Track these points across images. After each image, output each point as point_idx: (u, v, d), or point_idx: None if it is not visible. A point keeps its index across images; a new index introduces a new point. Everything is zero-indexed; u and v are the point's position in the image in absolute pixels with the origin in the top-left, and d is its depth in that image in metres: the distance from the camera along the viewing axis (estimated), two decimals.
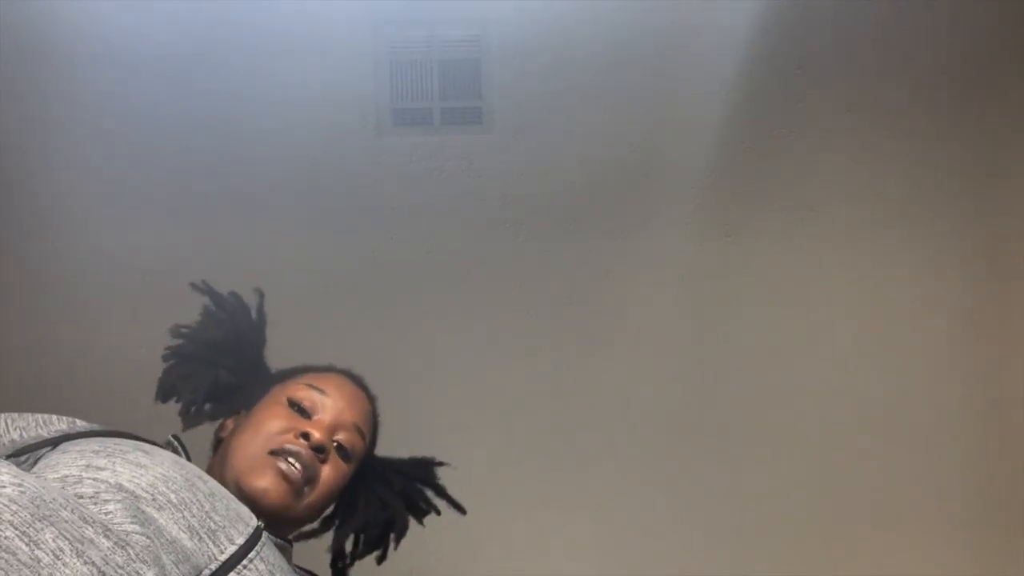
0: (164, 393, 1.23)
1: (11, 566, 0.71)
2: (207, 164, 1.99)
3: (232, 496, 0.97)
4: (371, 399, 1.25)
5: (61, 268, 1.95)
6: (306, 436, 1.09)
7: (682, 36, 2.02)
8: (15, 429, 0.98)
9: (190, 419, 1.21)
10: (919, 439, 2.01)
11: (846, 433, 2.00)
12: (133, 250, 1.97)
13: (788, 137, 2.04)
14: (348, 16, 1.99)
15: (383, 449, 1.30)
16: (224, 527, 0.91)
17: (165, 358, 1.24)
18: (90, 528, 0.77)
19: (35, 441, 0.97)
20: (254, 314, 1.29)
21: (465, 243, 2.02)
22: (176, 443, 1.12)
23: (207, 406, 1.22)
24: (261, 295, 1.29)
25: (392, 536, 1.29)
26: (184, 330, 1.25)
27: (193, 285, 1.27)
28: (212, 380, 1.21)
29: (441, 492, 1.35)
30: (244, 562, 0.90)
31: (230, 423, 1.19)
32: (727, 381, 2.02)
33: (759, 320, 2.02)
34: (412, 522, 1.32)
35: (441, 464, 1.36)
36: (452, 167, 2.02)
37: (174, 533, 0.85)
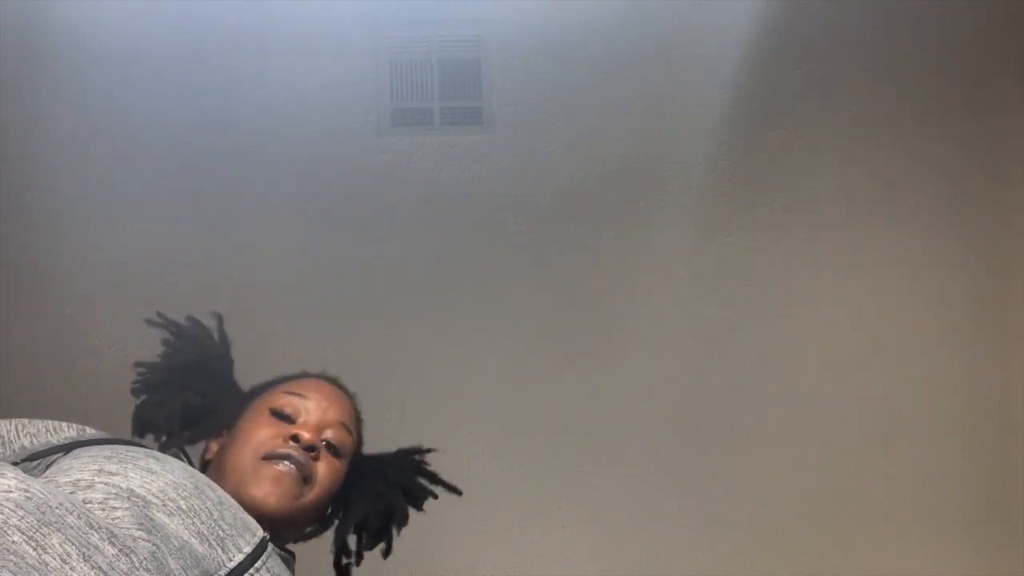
0: (141, 426, 1.22)
1: (20, 569, 0.71)
2: (207, 164, 1.98)
3: (239, 506, 0.97)
4: (350, 396, 1.25)
5: (61, 268, 1.95)
6: (295, 438, 1.10)
7: (682, 36, 2.02)
8: (25, 435, 0.99)
9: (173, 444, 1.21)
10: (920, 439, 2.01)
11: (847, 432, 2.01)
12: (133, 250, 1.96)
13: (788, 137, 2.04)
14: (348, 16, 1.99)
15: (387, 446, 1.30)
16: (232, 535, 0.91)
17: (135, 392, 1.24)
18: (96, 534, 0.77)
19: (45, 448, 0.97)
20: (216, 336, 1.29)
21: (465, 243, 2.02)
22: (181, 454, 1.12)
23: (185, 432, 1.21)
24: (220, 318, 1.29)
25: (394, 525, 1.29)
26: (148, 363, 1.25)
27: (148, 321, 1.27)
28: (183, 404, 1.20)
29: (434, 478, 1.35)
30: (251, 571, 0.90)
31: (214, 445, 1.19)
32: (727, 380, 2.02)
33: (759, 319, 2.03)
34: (413, 513, 1.32)
35: (429, 451, 1.36)
36: (452, 167, 2.02)
37: (185, 537, 0.86)
